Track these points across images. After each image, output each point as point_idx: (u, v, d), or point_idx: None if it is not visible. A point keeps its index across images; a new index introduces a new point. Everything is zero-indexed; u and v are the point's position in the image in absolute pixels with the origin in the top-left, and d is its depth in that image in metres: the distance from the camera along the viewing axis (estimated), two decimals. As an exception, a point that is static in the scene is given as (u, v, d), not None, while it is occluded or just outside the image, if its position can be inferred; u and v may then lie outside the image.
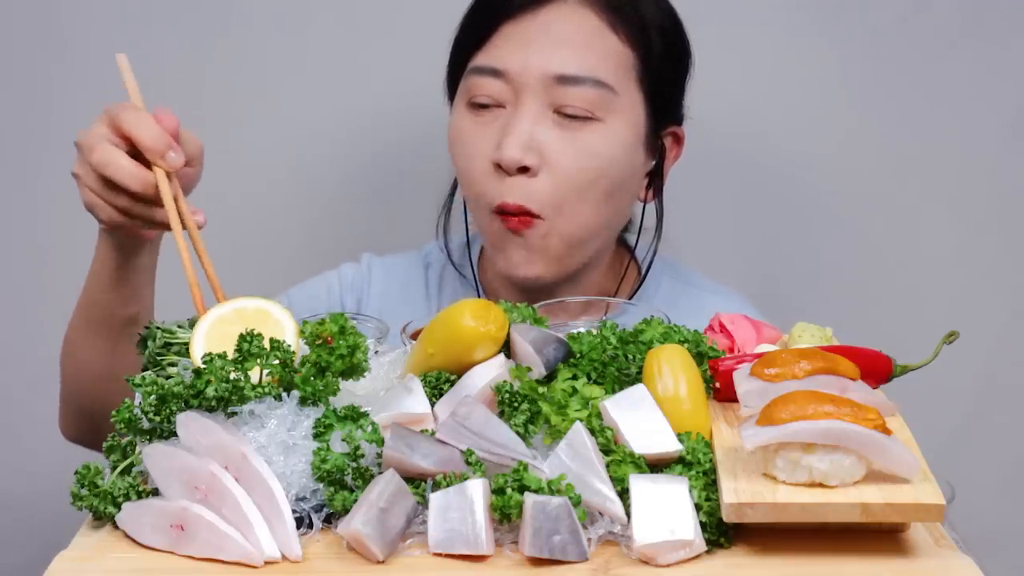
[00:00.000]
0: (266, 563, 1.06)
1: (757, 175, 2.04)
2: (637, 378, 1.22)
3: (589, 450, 1.11)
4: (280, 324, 1.25)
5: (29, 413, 2.06)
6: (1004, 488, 2.07)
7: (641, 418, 1.15)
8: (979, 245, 2.03)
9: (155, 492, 1.13)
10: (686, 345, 1.24)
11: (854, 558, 1.06)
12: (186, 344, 1.27)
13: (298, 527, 1.09)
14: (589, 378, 1.24)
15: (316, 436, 1.13)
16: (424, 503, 1.09)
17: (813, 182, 2.03)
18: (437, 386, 1.24)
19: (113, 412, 1.15)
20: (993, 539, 2.00)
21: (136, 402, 1.16)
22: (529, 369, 1.22)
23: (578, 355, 1.25)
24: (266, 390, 1.17)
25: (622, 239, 1.77)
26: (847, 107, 2.01)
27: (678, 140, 1.70)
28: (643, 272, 1.73)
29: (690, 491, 1.09)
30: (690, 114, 1.70)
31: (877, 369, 1.26)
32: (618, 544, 1.08)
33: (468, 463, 1.11)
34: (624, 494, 1.09)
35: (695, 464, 1.12)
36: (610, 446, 1.13)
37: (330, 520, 1.11)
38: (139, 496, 1.12)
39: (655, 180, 1.68)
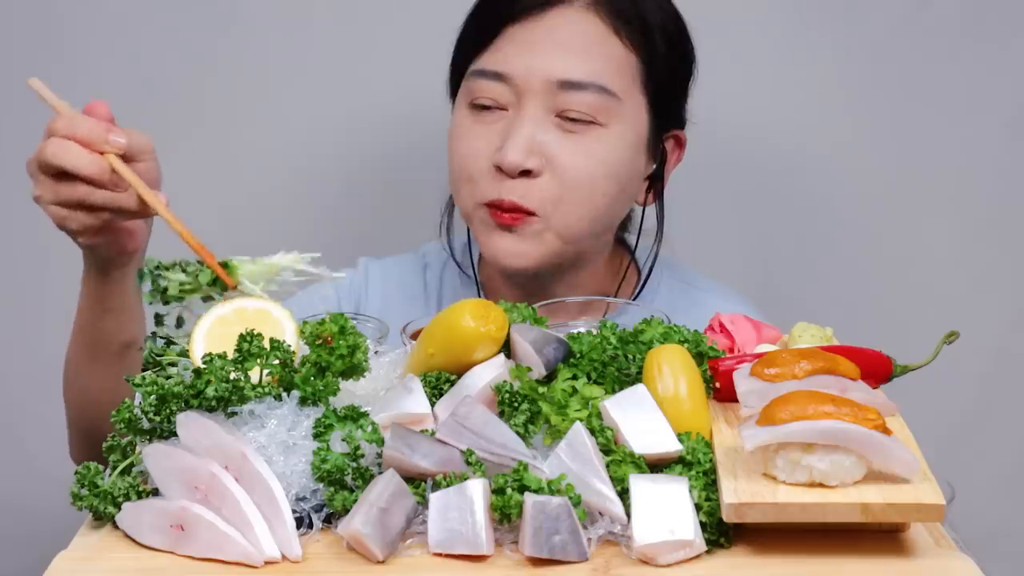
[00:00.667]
0: (266, 563, 1.06)
1: (757, 175, 2.04)
2: (637, 378, 1.22)
3: (589, 450, 1.11)
4: (280, 324, 1.25)
5: (30, 414, 2.06)
6: (1004, 488, 2.07)
7: (641, 418, 1.15)
8: (979, 245, 2.03)
9: (155, 492, 1.13)
10: (686, 345, 1.24)
11: (854, 558, 1.06)
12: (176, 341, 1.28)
13: (298, 527, 1.09)
14: (589, 378, 1.24)
15: (316, 436, 1.13)
16: (424, 503, 1.09)
17: (813, 182, 2.03)
18: (437, 386, 1.24)
19: (113, 412, 1.15)
20: (993, 539, 2.00)
21: (136, 402, 1.16)
22: (529, 369, 1.22)
23: (578, 355, 1.25)
24: (266, 390, 1.18)
25: (622, 240, 1.77)
26: (847, 108, 2.01)
27: (680, 144, 1.70)
28: (643, 274, 1.73)
29: (690, 491, 1.09)
30: (693, 118, 1.70)
31: (877, 369, 1.26)
32: (618, 544, 1.08)
33: (468, 463, 1.11)
34: (624, 494, 1.09)
35: (695, 464, 1.12)
36: (610, 446, 1.13)
37: (330, 520, 1.11)
38: (139, 496, 1.12)
39: (656, 183, 1.68)
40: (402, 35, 1.98)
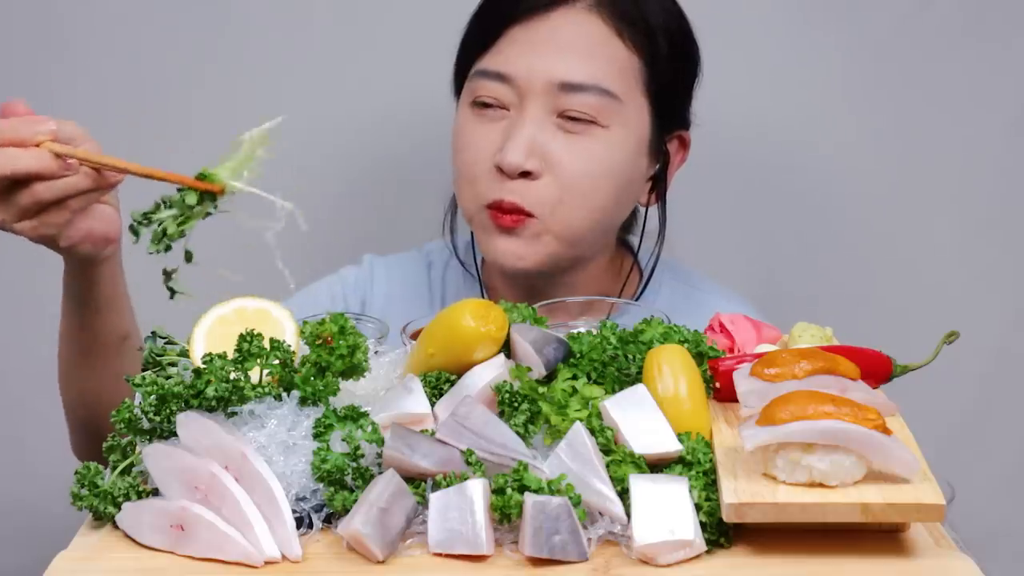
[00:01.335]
0: (266, 563, 1.06)
1: (758, 175, 2.04)
2: (637, 378, 1.22)
3: (589, 450, 1.11)
4: (280, 324, 1.25)
5: (30, 414, 2.06)
6: (1004, 488, 2.07)
7: (641, 418, 1.15)
8: (980, 245, 2.03)
9: (155, 492, 1.13)
10: (686, 345, 1.24)
11: (854, 558, 1.06)
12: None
13: (298, 527, 1.09)
14: (589, 378, 1.24)
15: (316, 436, 1.13)
16: (424, 503, 1.09)
17: (814, 182, 2.03)
18: (437, 386, 1.24)
19: (113, 412, 1.16)
20: (993, 539, 2.00)
21: (136, 402, 1.16)
22: (529, 369, 1.22)
23: (578, 355, 1.25)
24: (266, 390, 1.18)
25: (624, 241, 1.77)
26: (848, 108, 2.01)
27: (684, 144, 1.70)
28: (645, 275, 1.73)
29: (690, 491, 1.09)
30: (700, 119, 1.70)
31: (877, 369, 1.26)
32: (618, 544, 1.08)
33: (468, 463, 1.11)
34: (624, 494, 1.09)
35: (695, 464, 1.12)
36: (610, 446, 1.13)
37: (330, 520, 1.11)
38: (139, 496, 1.12)
39: (658, 184, 1.68)
40: (406, 33, 1.98)
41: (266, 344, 1.19)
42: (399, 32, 1.99)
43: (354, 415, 1.14)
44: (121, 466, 1.16)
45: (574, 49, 1.57)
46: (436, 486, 1.09)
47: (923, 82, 1.99)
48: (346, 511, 1.09)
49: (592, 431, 1.14)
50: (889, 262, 2.04)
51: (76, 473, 1.14)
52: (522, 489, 1.07)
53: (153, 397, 1.15)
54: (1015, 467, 2.08)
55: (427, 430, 1.16)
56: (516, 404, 1.17)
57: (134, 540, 1.10)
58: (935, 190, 2.02)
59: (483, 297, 1.74)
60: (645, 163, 1.64)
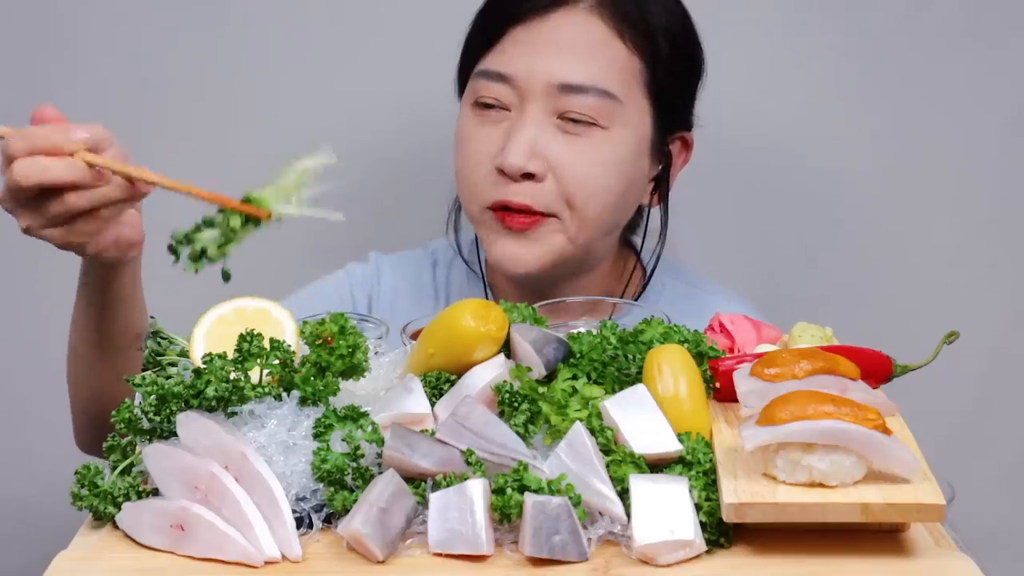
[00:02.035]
0: (266, 563, 1.06)
1: (758, 176, 2.04)
2: (637, 378, 1.22)
3: (589, 450, 1.11)
4: (280, 324, 1.25)
5: (29, 413, 2.06)
6: (1004, 488, 2.07)
7: (641, 418, 1.15)
8: (979, 245, 2.03)
9: (155, 492, 1.13)
10: (686, 345, 1.24)
11: (854, 558, 1.06)
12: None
13: (298, 527, 1.09)
14: (589, 378, 1.24)
15: (316, 436, 1.13)
16: (424, 503, 1.09)
17: (813, 182, 2.03)
18: (437, 386, 1.24)
19: (113, 412, 1.16)
20: (993, 539, 2.00)
21: (136, 402, 1.16)
22: (529, 369, 1.22)
23: (578, 355, 1.25)
24: (266, 390, 1.18)
25: (627, 241, 1.77)
26: (847, 108, 2.01)
27: (686, 145, 1.70)
28: (647, 275, 1.73)
29: (690, 491, 1.09)
30: (701, 120, 1.70)
31: (877, 369, 1.26)
32: (618, 544, 1.08)
33: (468, 463, 1.11)
34: (624, 494, 1.09)
35: (695, 464, 1.12)
36: (610, 446, 1.13)
37: (330, 520, 1.11)
38: (139, 496, 1.13)
39: (661, 185, 1.68)
40: (409, 33, 1.98)
41: (266, 344, 1.19)
42: (401, 32, 1.99)
43: (354, 415, 1.14)
44: (121, 466, 1.16)
45: (574, 50, 1.57)
46: (436, 486, 1.09)
47: (922, 82, 1.99)
48: (346, 511, 1.09)
49: (592, 431, 1.14)
50: (889, 262, 2.04)
51: (76, 473, 1.14)
52: (522, 489, 1.07)
53: (153, 397, 1.15)
54: (1015, 467, 2.08)
55: (427, 430, 1.16)
56: (516, 404, 1.18)
57: (134, 540, 1.10)
58: (935, 190, 2.02)
59: (487, 295, 1.74)
60: (647, 164, 1.64)
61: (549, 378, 1.24)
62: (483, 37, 1.62)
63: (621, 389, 1.20)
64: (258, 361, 1.19)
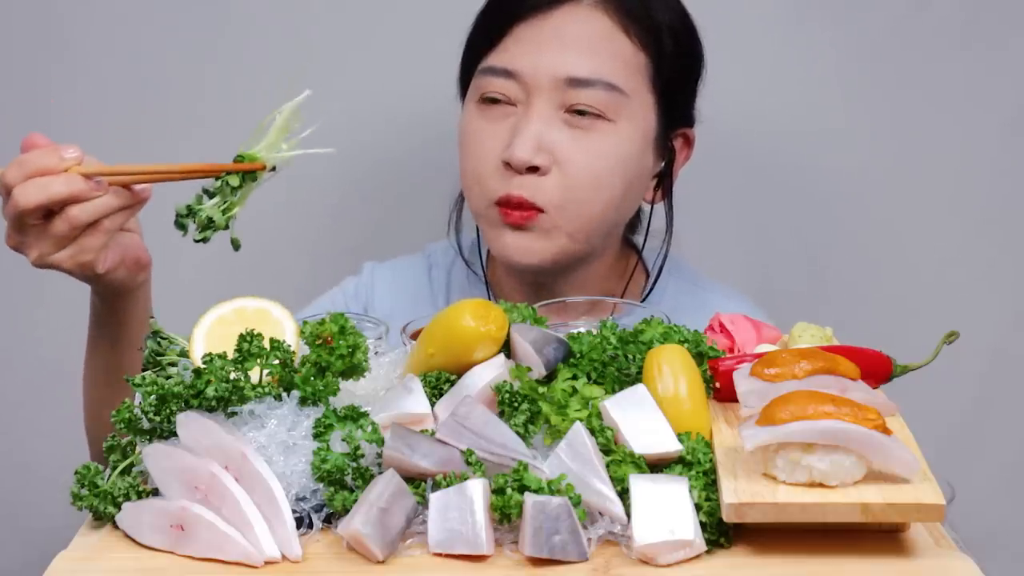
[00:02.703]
0: (266, 563, 1.06)
1: (758, 175, 2.04)
2: (637, 378, 1.22)
3: (589, 450, 1.11)
4: (280, 324, 1.25)
5: (29, 413, 2.06)
6: (1004, 488, 2.07)
7: (641, 418, 1.15)
8: (979, 245, 2.03)
9: (155, 492, 1.13)
10: (686, 345, 1.24)
11: (854, 558, 1.06)
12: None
13: (298, 527, 1.09)
14: (589, 378, 1.24)
15: (316, 436, 1.13)
16: (424, 503, 1.09)
17: (813, 182, 2.03)
18: (437, 386, 1.24)
19: (113, 412, 1.16)
20: (993, 539, 2.00)
21: (136, 402, 1.16)
22: (529, 369, 1.22)
23: (578, 355, 1.25)
24: (266, 390, 1.18)
25: (628, 240, 1.77)
26: (847, 108, 2.01)
27: (688, 142, 1.70)
28: (652, 274, 1.73)
29: (690, 491, 1.09)
30: (701, 117, 1.70)
31: (877, 369, 1.26)
32: (618, 544, 1.08)
33: (468, 463, 1.11)
34: (624, 494, 1.09)
35: (695, 464, 1.12)
36: (610, 446, 1.13)
37: (330, 520, 1.11)
38: (139, 496, 1.13)
39: (663, 181, 1.68)
40: (409, 33, 1.98)
41: (266, 344, 1.19)
42: (404, 31, 1.98)
43: (354, 415, 1.14)
44: (121, 466, 1.16)
45: (580, 45, 1.58)
46: (436, 486, 1.09)
47: (922, 82, 1.99)
48: (346, 511, 1.09)
49: (592, 431, 1.14)
50: (889, 262, 2.04)
51: (76, 473, 1.14)
52: (522, 489, 1.07)
53: (153, 397, 1.15)
54: (1015, 467, 2.08)
55: (427, 430, 1.16)
56: (516, 404, 1.18)
57: (134, 540, 1.10)
58: (935, 190, 2.02)
59: (488, 296, 1.74)
60: (651, 159, 1.64)
61: (549, 378, 1.24)
62: (486, 36, 1.62)
63: (621, 389, 1.20)
64: (258, 361, 1.19)
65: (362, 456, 1.11)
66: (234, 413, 1.16)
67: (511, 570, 1.06)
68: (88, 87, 1.99)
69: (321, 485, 1.11)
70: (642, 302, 1.71)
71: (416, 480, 1.11)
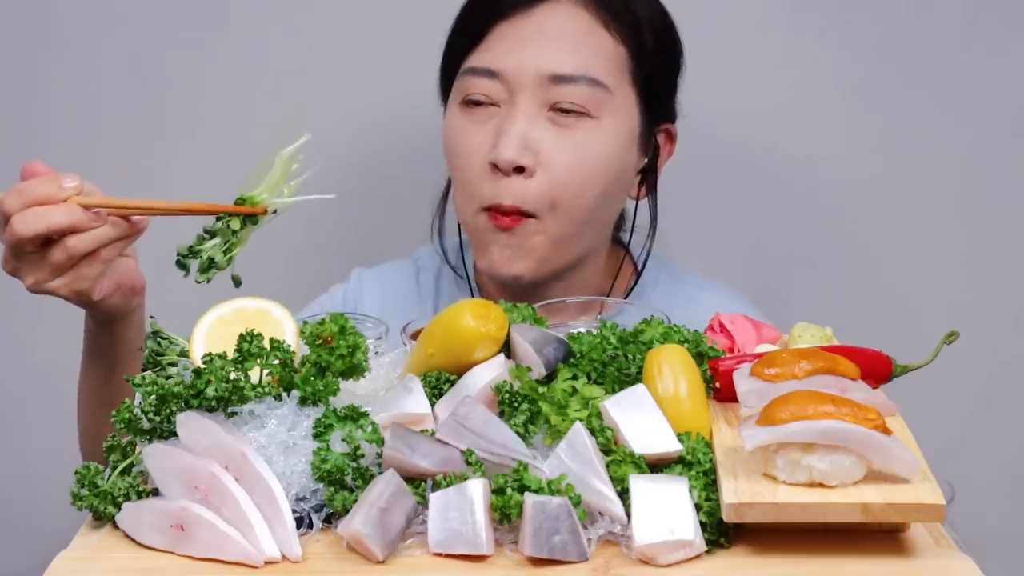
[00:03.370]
0: (266, 563, 1.06)
1: (757, 174, 2.04)
2: (637, 378, 1.22)
3: (589, 450, 1.11)
4: (280, 324, 1.25)
5: (29, 413, 2.06)
6: (1004, 488, 2.07)
7: (641, 418, 1.15)
8: (979, 245, 2.03)
9: (155, 492, 1.13)
10: (686, 345, 1.24)
11: (854, 558, 1.06)
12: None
13: (298, 527, 1.09)
14: (589, 378, 1.24)
15: (316, 436, 1.13)
16: (424, 503, 1.09)
17: (813, 182, 2.03)
18: (437, 386, 1.24)
19: (113, 412, 1.16)
20: (993, 539, 2.00)
21: (136, 402, 1.16)
22: (529, 369, 1.22)
23: (578, 355, 1.25)
24: (266, 390, 1.18)
25: (617, 237, 1.77)
26: (846, 107, 2.01)
27: (671, 137, 1.70)
28: (638, 269, 1.73)
29: (690, 491, 1.09)
30: (689, 112, 1.70)
31: (877, 369, 1.26)
32: (618, 544, 1.08)
33: (468, 463, 1.11)
34: (624, 494, 1.09)
35: (695, 464, 1.12)
36: (610, 446, 1.13)
37: (330, 520, 1.11)
38: (139, 496, 1.13)
39: (648, 177, 1.69)
40: (393, 38, 1.98)
41: (266, 344, 1.19)
42: (388, 36, 1.98)
43: (354, 415, 1.14)
44: (121, 466, 1.16)
45: (561, 41, 1.58)
46: (436, 486, 1.09)
47: (922, 83, 1.99)
48: (346, 511, 1.09)
49: (592, 431, 1.14)
50: (889, 262, 2.04)
51: (76, 473, 1.14)
52: (522, 489, 1.07)
53: (153, 397, 1.15)
54: (1015, 467, 2.08)
55: (427, 430, 1.16)
56: (516, 404, 1.17)
57: (134, 540, 1.10)
58: (935, 190, 2.02)
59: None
60: (635, 155, 1.64)
61: (549, 378, 1.24)
62: (467, 36, 1.63)
63: (621, 389, 1.20)
64: (258, 361, 1.19)
65: (362, 456, 1.11)
66: (234, 413, 1.16)
67: (511, 570, 1.06)
68: (88, 87, 1.99)
69: (321, 485, 1.11)
70: (626, 298, 1.71)
71: (416, 480, 1.11)
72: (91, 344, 1.48)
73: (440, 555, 1.07)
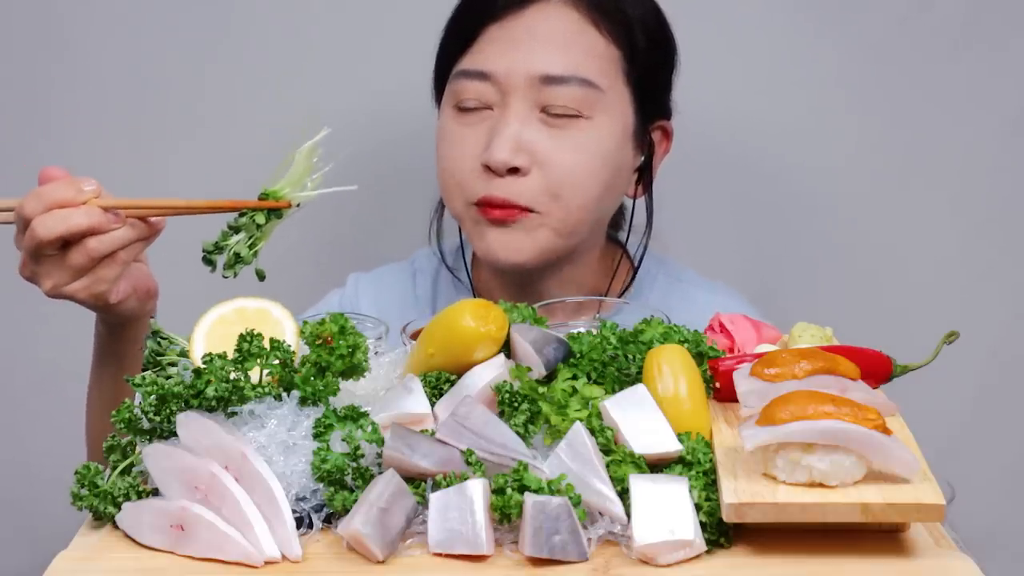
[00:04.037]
0: (266, 563, 1.06)
1: (756, 174, 2.04)
2: (637, 378, 1.22)
3: (589, 450, 1.11)
4: (280, 324, 1.25)
5: (29, 413, 2.06)
6: (1004, 488, 2.07)
7: (641, 418, 1.15)
8: (979, 245, 2.03)
9: (155, 492, 1.13)
10: (686, 345, 1.24)
11: (854, 558, 1.06)
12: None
13: (298, 527, 1.09)
14: (589, 378, 1.24)
15: (316, 436, 1.13)
16: (424, 503, 1.09)
17: (813, 182, 2.03)
18: (437, 386, 1.24)
19: (113, 412, 1.16)
20: (993, 539, 2.00)
21: (136, 402, 1.16)
22: (529, 369, 1.22)
23: (578, 355, 1.25)
24: (266, 390, 1.18)
25: (612, 237, 1.77)
26: (846, 106, 2.01)
27: (667, 135, 1.70)
28: (634, 267, 1.73)
29: (690, 491, 1.09)
30: (688, 111, 1.70)
31: (877, 369, 1.26)
32: (618, 544, 1.08)
33: (468, 463, 1.11)
34: (624, 494, 1.09)
35: (695, 464, 1.12)
36: (610, 446, 1.13)
37: (330, 520, 1.11)
38: (139, 496, 1.13)
39: (644, 175, 1.69)
40: (392, 39, 1.98)
41: (266, 344, 1.19)
42: (384, 37, 1.98)
43: (354, 415, 1.14)
44: (121, 466, 1.16)
45: (552, 42, 1.58)
46: (436, 486, 1.09)
47: (923, 83, 1.99)
48: (346, 511, 1.09)
49: (592, 431, 1.14)
50: (889, 262, 2.04)
51: (76, 473, 1.14)
52: (522, 489, 1.08)
53: (153, 397, 1.15)
54: (1015, 467, 2.08)
55: (427, 430, 1.16)
56: (516, 404, 1.18)
57: (134, 540, 1.10)
58: (936, 190, 2.02)
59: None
60: (631, 153, 1.64)
61: (549, 378, 1.24)
62: (458, 39, 1.63)
63: (621, 389, 1.20)
64: (258, 361, 1.19)
65: (362, 456, 1.11)
66: (234, 413, 1.16)
67: (511, 570, 1.06)
68: (88, 87, 1.99)
69: (321, 485, 1.11)
70: (621, 296, 1.71)
71: (416, 480, 1.11)
72: (102, 349, 1.49)
73: (440, 555, 1.07)
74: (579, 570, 1.05)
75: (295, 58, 2.00)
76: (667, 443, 1.14)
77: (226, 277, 1.32)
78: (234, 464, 1.11)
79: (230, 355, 1.18)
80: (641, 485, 1.09)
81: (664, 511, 1.06)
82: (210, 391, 1.14)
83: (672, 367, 1.19)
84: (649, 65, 1.63)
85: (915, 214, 2.03)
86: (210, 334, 1.24)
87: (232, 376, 1.16)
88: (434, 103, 1.70)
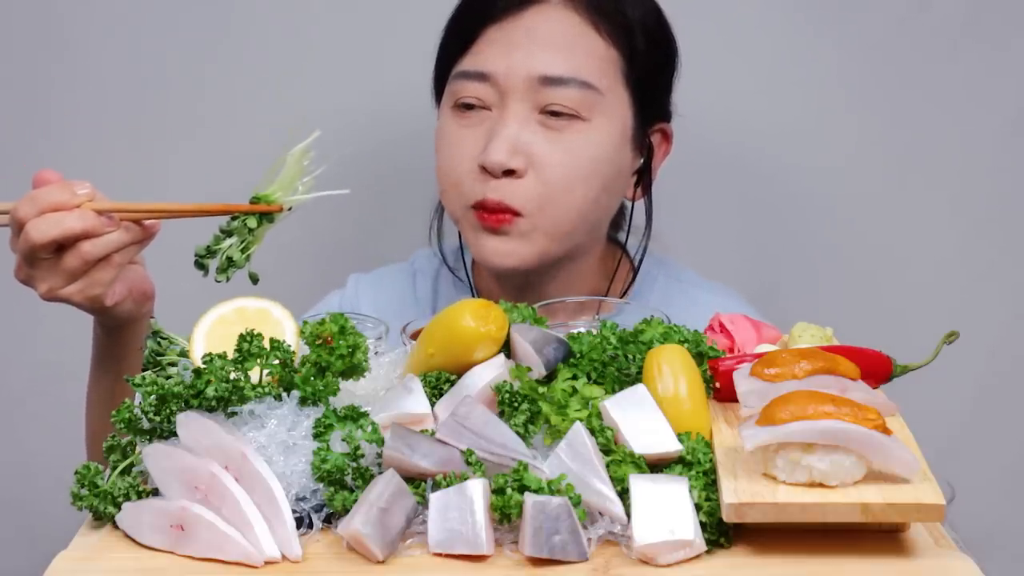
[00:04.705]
0: (266, 563, 1.06)
1: (756, 174, 2.04)
2: (637, 378, 1.22)
3: (589, 450, 1.11)
4: (280, 324, 1.25)
5: (28, 413, 2.06)
6: (1004, 488, 2.07)
7: (641, 418, 1.15)
8: (979, 245, 2.03)
9: (155, 492, 1.13)
10: (686, 345, 1.24)
11: (854, 558, 1.06)
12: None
13: (298, 527, 1.09)
14: (589, 378, 1.24)
15: (316, 436, 1.13)
16: (424, 503, 1.09)
17: (813, 181, 2.03)
18: (437, 386, 1.24)
19: (113, 412, 1.16)
20: (993, 539, 2.00)
21: (136, 402, 1.16)
22: (529, 369, 1.22)
23: (578, 355, 1.25)
24: (266, 390, 1.18)
25: (613, 238, 1.77)
26: (846, 106, 2.01)
27: (667, 137, 1.70)
28: (635, 270, 1.73)
29: (690, 491, 1.09)
30: (688, 112, 1.70)
31: (877, 369, 1.26)
32: (618, 544, 1.08)
33: (468, 463, 1.11)
34: (624, 494, 1.09)
35: (695, 464, 1.12)
36: (610, 446, 1.13)
37: (330, 520, 1.11)
38: (139, 496, 1.13)
39: (644, 178, 1.68)
40: (392, 39, 1.98)
41: (266, 344, 1.19)
42: (383, 39, 1.98)
43: (354, 415, 1.14)
44: (121, 466, 1.16)
45: (552, 44, 1.58)
46: (436, 486, 1.09)
47: (923, 82, 1.99)
48: (346, 511, 1.09)
49: (592, 431, 1.14)
50: (889, 262, 2.04)
51: (76, 473, 1.14)
52: (522, 489, 1.08)
53: (153, 397, 1.15)
54: (1015, 467, 2.08)
55: (427, 430, 1.16)
56: (516, 404, 1.18)
57: (134, 540, 1.10)
58: (936, 190, 2.02)
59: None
60: (629, 156, 1.64)
61: (549, 378, 1.24)
62: (458, 40, 1.63)
63: (621, 389, 1.20)
64: (258, 361, 1.19)
65: (362, 456, 1.11)
66: (234, 413, 1.16)
67: (511, 570, 1.06)
68: (88, 87, 1.99)
69: (321, 485, 1.11)
70: (622, 297, 1.71)
71: (416, 480, 1.11)
72: (100, 352, 1.49)
73: (440, 555, 1.07)
74: (579, 570, 1.05)
75: (295, 58, 2.00)
76: (667, 443, 1.14)
77: (219, 281, 1.32)
78: (234, 464, 1.11)
79: (230, 355, 1.18)
80: (641, 485, 1.09)
81: (664, 511, 1.06)
82: (210, 391, 1.14)
83: (672, 367, 1.19)
84: (649, 68, 1.63)
85: (915, 214, 2.03)
86: (210, 334, 1.24)
87: (232, 376, 1.16)
88: (434, 103, 1.70)
